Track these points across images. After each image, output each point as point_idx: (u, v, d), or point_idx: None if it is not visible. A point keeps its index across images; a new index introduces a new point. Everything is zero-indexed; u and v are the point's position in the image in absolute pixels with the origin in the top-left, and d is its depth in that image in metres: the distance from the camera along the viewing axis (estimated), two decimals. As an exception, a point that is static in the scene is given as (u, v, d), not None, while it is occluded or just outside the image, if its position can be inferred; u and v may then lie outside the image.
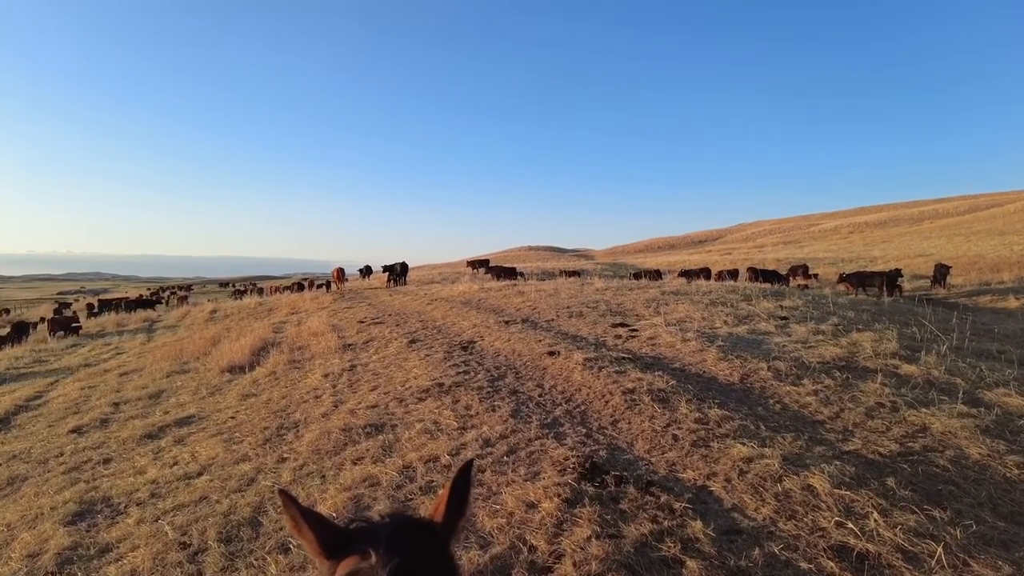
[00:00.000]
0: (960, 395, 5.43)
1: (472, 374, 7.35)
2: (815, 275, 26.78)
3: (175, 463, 6.06)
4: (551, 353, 7.77)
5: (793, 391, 5.75)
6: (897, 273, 22.38)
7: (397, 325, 12.81)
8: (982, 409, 5.06)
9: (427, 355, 8.87)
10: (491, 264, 33.57)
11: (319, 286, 37.10)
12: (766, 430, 4.84)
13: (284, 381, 9.31)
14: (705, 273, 30.80)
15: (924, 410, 5.08)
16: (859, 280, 22.53)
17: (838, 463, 4.08)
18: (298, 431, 6.35)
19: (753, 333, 8.56)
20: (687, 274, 30.27)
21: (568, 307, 11.93)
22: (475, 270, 34.37)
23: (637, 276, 26.57)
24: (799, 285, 24.60)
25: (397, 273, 31.01)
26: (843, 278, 23.52)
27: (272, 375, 9.94)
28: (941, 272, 23.23)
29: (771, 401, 5.59)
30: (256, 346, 13.17)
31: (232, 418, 7.65)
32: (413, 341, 10.29)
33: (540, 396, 6.24)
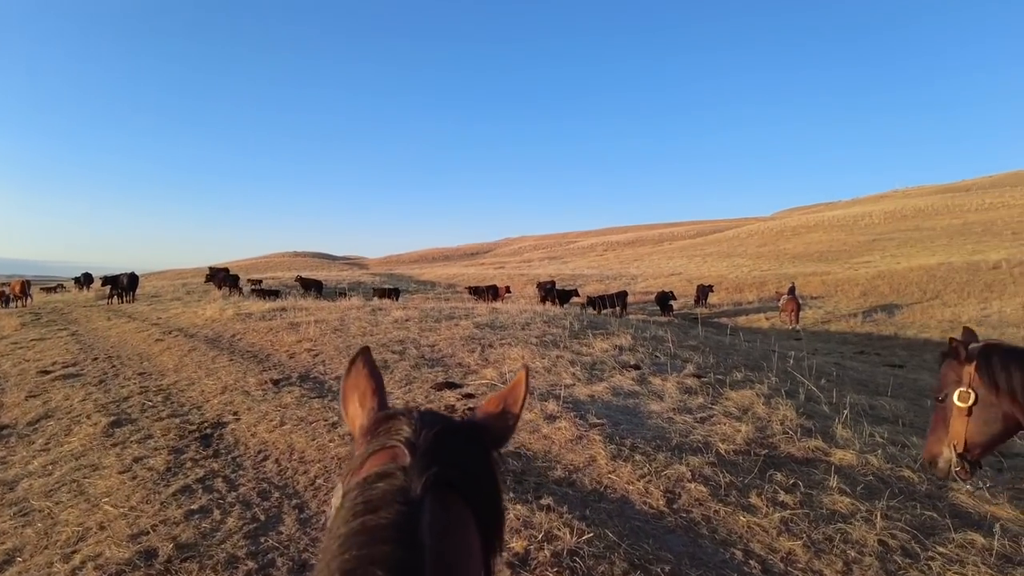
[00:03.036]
0: (943, 507, 4.06)
1: (218, 516, 3.95)
2: (575, 290, 27.56)
3: None
4: (357, 459, 4.77)
5: (755, 525, 3.77)
6: (670, 295, 23.84)
7: (102, 381, 8.28)
8: (993, 537, 3.64)
9: (137, 459, 5.06)
10: (229, 272, 28.61)
11: (15, 300, 26.98)
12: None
13: None
14: (493, 291, 29.89)
15: (943, 551, 3.49)
16: (602, 303, 23.69)
17: None
18: None
19: (618, 395, 6.69)
20: (476, 292, 28.99)
21: (364, 352, 8.86)
22: (209, 280, 28.79)
23: (379, 293, 25.36)
24: (581, 304, 24.91)
25: (123, 287, 24.11)
26: (589, 301, 24.49)
27: None
28: (703, 292, 25.50)
29: (736, 551, 3.51)
30: None
31: None
32: (118, 422, 6.22)
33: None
